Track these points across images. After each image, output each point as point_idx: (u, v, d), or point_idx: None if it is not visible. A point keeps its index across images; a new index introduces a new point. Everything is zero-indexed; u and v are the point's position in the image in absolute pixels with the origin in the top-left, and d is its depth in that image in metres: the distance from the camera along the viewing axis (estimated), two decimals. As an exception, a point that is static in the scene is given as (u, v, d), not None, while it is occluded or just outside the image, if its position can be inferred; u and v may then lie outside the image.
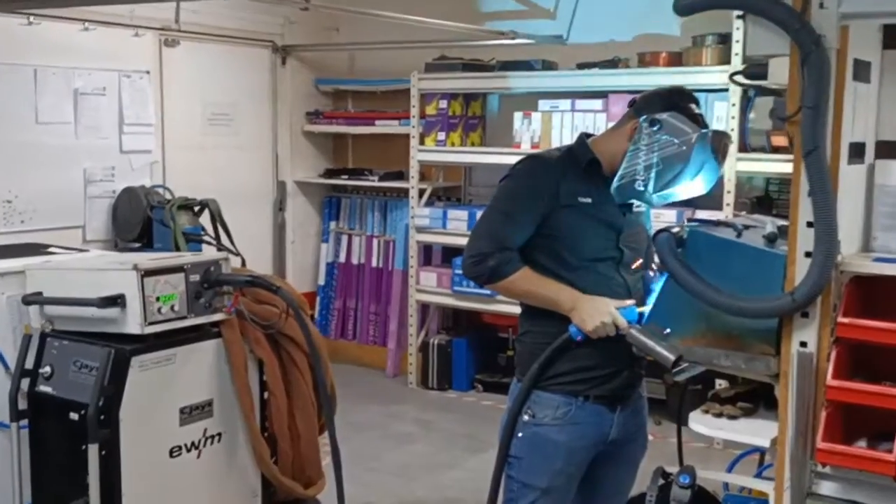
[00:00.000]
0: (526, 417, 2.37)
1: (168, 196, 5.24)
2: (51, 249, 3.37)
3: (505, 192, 2.40)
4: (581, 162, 2.37)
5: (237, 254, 4.97)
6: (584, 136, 2.44)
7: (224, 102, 5.97)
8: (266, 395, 3.02)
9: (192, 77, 5.73)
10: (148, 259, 2.75)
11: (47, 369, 2.76)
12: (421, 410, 5.47)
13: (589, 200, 2.32)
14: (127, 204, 5.17)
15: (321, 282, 6.70)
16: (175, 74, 5.60)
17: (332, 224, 6.67)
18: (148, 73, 5.41)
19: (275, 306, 2.93)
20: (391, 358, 6.24)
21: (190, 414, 2.81)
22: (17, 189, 4.78)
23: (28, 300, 2.83)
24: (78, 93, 5.04)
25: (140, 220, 5.06)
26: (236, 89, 6.06)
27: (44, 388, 2.77)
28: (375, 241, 6.44)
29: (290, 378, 3.03)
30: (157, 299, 2.66)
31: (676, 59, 4.98)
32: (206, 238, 4.97)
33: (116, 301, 2.62)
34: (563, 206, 2.30)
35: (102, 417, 2.59)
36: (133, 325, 2.63)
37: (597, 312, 2.23)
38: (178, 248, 4.78)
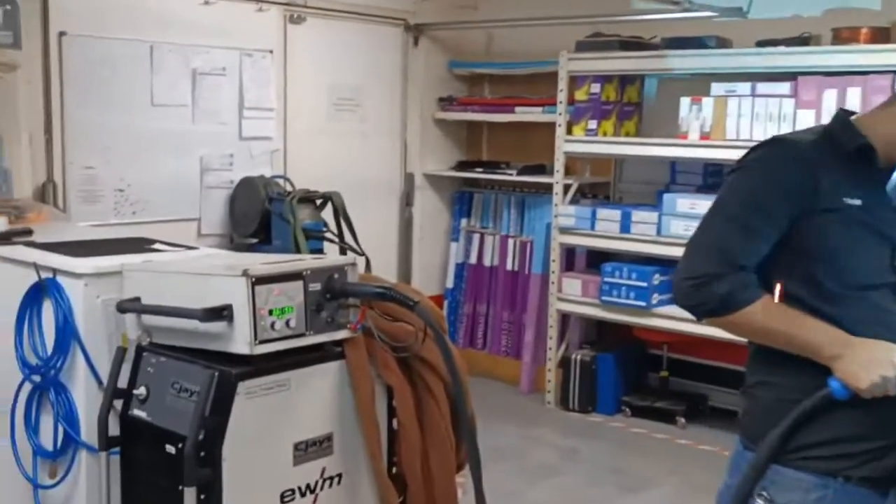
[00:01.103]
0: (760, 501, 1.79)
1: (288, 188, 4.90)
2: (156, 246, 3.03)
3: (738, 191, 1.83)
4: (846, 147, 1.80)
5: (361, 253, 4.58)
6: (845, 114, 1.85)
7: (351, 86, 5.60)
8: (395, 428, 2.58)
9: (318, 57, 5.39)
10: (261, 262, 2.34)
11: (142, 390, 2.40)
12: (562, 435, 4.96)
13: (858, 202, 1.74)
14: (245, 195, 4.86)
15: (449, 284, 6.27)
16: (300, 54, 5.26)
17: (464, 222, 6.22)
18: (271, 52, 5.09)
19: (408, 323, 2.48)
20: (526, 372, 5.74)
21: (306, 451, 2.39)
22: (129, 177, 4.52)
23: (122, 307, 2.47)
24: (196, 73, 4.75)
25: (258, 214, 4.74)
26: (364, 71, 5.68)
27: (138, 412, 2.41)
28: (511, 242, 5.96)
29: (425, 409, 2.58)
30: (271, 312, 2.25)
31: (881, 35, 4.29)
32: (327, 235, 4.60)
33: (222, 313, 2.22)
34: (823, 211, 1.73)
35: (202, 454, 2.19)
36: (240, 343, 2.22)
37: (874, 363, 1.65)
38: (297, 245, 4.42)
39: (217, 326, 2.25)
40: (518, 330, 5.89)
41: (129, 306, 2.45)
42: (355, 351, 2.45)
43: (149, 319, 2.45)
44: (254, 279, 2.21)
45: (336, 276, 2.38)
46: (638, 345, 5.39)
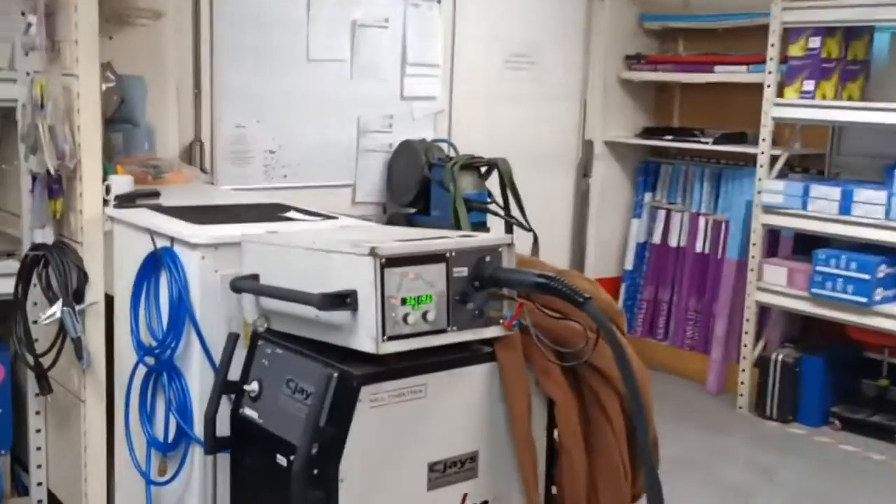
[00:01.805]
0: None
1: (451, 153, 4.51)
2: (290, 214, 2.70)
3: None
4: None
5: (528, 228, 4.13)
6: None
7: (526, 41, 5.13)
8: (556, 450, 2.13)
9: (490, 9, 4.94)
10: (395, 239, 1.94)
11: (254, 386, 2.06)
12: (756, 448, 4.34)
13: None
14: (403, 161, 4.50)
15: (628, 266, 5.72)
16: (470, 5, 4.83)
17: (648, 196, 5.65)
18: (438, 2, 4.69)
19: (577, 321, 2.01)
20: (714, 370, 5.13)
21: (444, 472, 1.98)
22: (281, 138, 4.25)
23: (235, 285, 2.14)
24: (356, 25, 4.41)
25: (417, 181, 4.37)
26: (541, 25, 5.19)
27: (248, 411, 2.07)
28: (702, 220, 5.34)
29: (594, 429, 2.11)
30: (404, 302, 1.85)
31: None
32: (491, 206, 4.17)
33: (344, 301, 1.83)
34: None
35: (315, 472, 1.82)
36: (365, 338, 1.83)
37: None
38: (457, 217, 4.02)
39: (339, 316, 1.87)
40: (706, 321, 5.28)
41: (243, 285, 2.12)
42: (509, 353, 2.01)
43: (266, 302, 2.11)
44: (384, 260, 1.81)
45: (488, 259, 1.95)
46: (852, 347, 4.66)
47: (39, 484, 3.11)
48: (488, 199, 4.20)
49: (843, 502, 3.78)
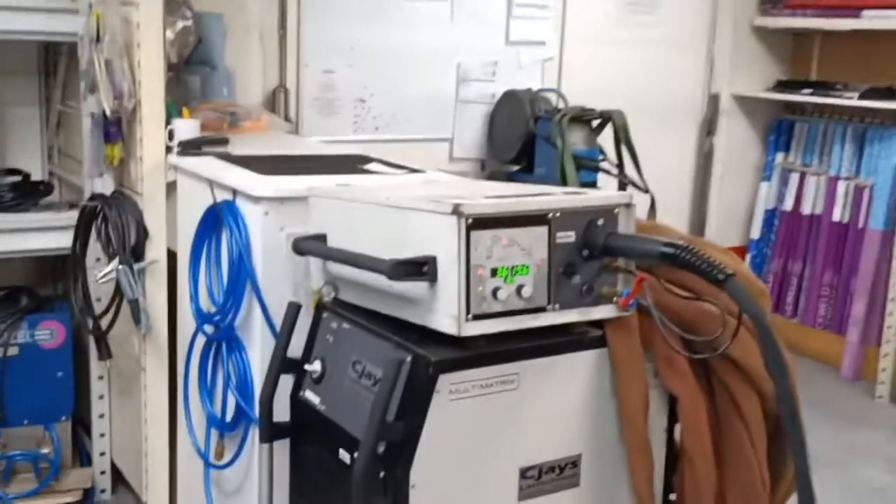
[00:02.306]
0: None
1: (560, 105, 4.12)
2: (371, 166, 2.39)
3: None
4: None
5: (645, 190, 3.73)
6: None
7: (647, -19, 4.68)
8: (678, 457, 1.78)
9: (608, -55, 4.52)
10: (487, 196, 1.60)
11: (317, 366, 1.77)
12: (898, 445, 3.88)
13: None
14: (507, 113, 4.15)
15: (754, 235, 5.24)
16: (585, -61, 4.43)
17: (780, 157, 5.14)
18: (549, -64, 4.30)
19: (710, 301, 1.64)
20: (850, 354, 4.64)
21: (538, 479, 1.66)
22: (373, 86, 3.95)
23: (298, 246, 1.85)
24: (457, -39, 4.07)
25: (521, 135, 4.01)
26: (666, -37, 4.73)
27: (310, 395, 1.78)
28: (842, 185, 4.81)
29: (727, 434, 1.75)
30: (495, 273, 1.52)
31: None
32: (603, 164, 3.78)
33: (421, 269, 1.51)
34: None
35: (382, 475, 1.52)
36: (445, 316, 1.51)
37: None
38: (564, 176, 3.66)
39: (415, 288, 1.55)
40: (843, 298, 4.78)
41: (306, 246, 1.82)
42: (623, 338, 1.67)
43: (334, 268, 1.81)
44: (470, 220, 1.48)
45: (601, 222, 1.60)
46: None
47: (102, 454, 2.93)
48: (600, 157, 3.81)
49: None
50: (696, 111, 5.04)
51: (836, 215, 4.84)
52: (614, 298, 1.62)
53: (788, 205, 5.07)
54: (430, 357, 1.51)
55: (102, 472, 2.94)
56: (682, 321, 1.67)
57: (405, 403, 1.52)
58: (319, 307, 1.84)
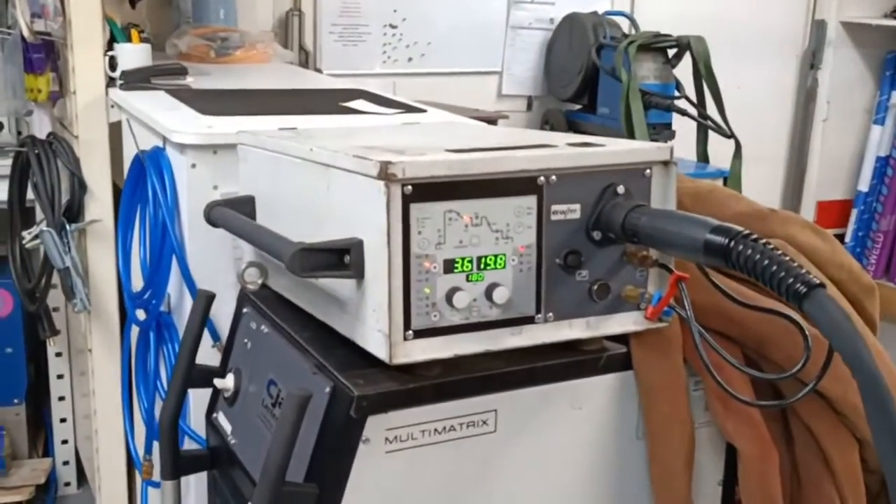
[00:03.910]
0: None
1: (631, 31, 3.54)
2: (356, 104, 1.90)
3: None
4: None
5: (729, 134, 3.17)
6: None
7: None
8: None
9: None
10: (454, 147, 1.10)
11: (229, 382, 1.31)
12: None
13: None
14: (566, 41, 3.59)
15: (863, 187, 4.58)
16: None
17: (895, 96, 4.45)
18: None
19: (787, 305, 1.11)
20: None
21: (528, 559, 1.18)
22: (406, 8, 3.43)
23: (209, 214, 1.37)
24: None
25: (581, 68, 3.46)
26: None
27: (222, 419, 1.33)
28: (973, 130, 4.12)
29: (806, 491, 1.23)
30: (451, 267, 1.02)
31: None
32: (679, 103, 3.21)
33: (341, 259, 1.03)
34: None
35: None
36: (372, 331, 1.03)
37: None
38: (629, 118, 3.10)
39: (340, 286, 1.08)
40: (969, 265, 4.13)
41: (217, 214, 1.35)
42: (658, 359, 1.16)
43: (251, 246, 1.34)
44: (409, 187, 0.98)
45: (621, 189, 1.08)
46: None
47: (64, 442, 2.56)
48: (675, 94, 3.24)
49: None
50: (797, 41, 4.36)
51: (965, 165, 4.16)
52: (640, 305, 1.11)
53: (905, 152, 4.41)
54: (352, 390, 1.03)
55: (66, 463, 2.58)
56: (747, 340, 1.15)
57: (318, 457, 1.06)
58: (241, 298, 1.38)
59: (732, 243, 0.93)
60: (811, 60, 4.42)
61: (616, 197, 1.08)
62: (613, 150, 1.10)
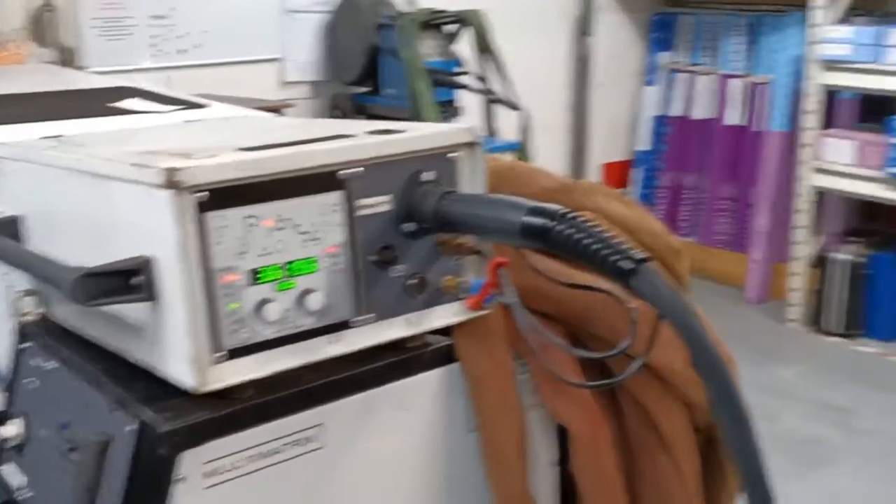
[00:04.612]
0: None
1: (407, 9, 3.52)
2: (125, 104, 1.76)
3: None
4: None
5: (516, 106, 3.20)
6: None
7: None
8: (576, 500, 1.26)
9: None
10: (246, 146, 1.01)
11: (13, 428, 1.17)
12: (823, 381, 3.52)
13: None
14: (346, 23, 3.52)
15: (642, 146, 4.80)
16: None
17: (663, 57, 4.68)
18: None
19: (606, 291, 1.09)
20: (756, 273, 4.28)
21: (369, 573, 1.12)
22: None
23: (-31, 242, 1.22)
24: None
25: (364, 50, 3.40)
26: None
27: (11, 472, 1.19)
28: (736, 84, 4.39)
29: (643, 467, 1.24)
30: (257, 277, 0.94)
31: None
32: (463, 80, 3.22)
33: (127, 282, 0.92)
34: None
35: None
36: (175, 358, 0.93)
37: None
38: (416, 99, 3.08)
39: (132, 311, 0.97)
40: (743, 212, 4.40)
41: (-23, 242, 1.20)
42: (482, 348, 1.12)
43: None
44: (204, 195, 0.89)
45: (427, 175, 1.03)
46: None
47: None
48: (457, 68, 3.24)
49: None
50: (569, 9, 4.50)
51: (732, 118, 4.43)
52: (460, 295, 1.07)
53: (677, 110, 4.65)
54: (158, 426, 0.93)
55: None
56: (570, 317, 1.14)
57: (129, 501, 0.95)
58: (22, 331, 1.23)
59: (551, 224, 0.90)
60: (583, 27, 4.56)
61: (424, 185, 1.02)
62: (416, 135, 1.04)
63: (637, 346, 1.00)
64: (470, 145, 1.06)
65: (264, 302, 0.94)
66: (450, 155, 1.04)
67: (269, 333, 0.95)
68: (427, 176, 1.02)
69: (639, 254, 0.86)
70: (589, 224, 0.90)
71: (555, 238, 0.90)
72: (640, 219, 1.28)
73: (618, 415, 1.22)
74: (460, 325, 1.10)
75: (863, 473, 2.85)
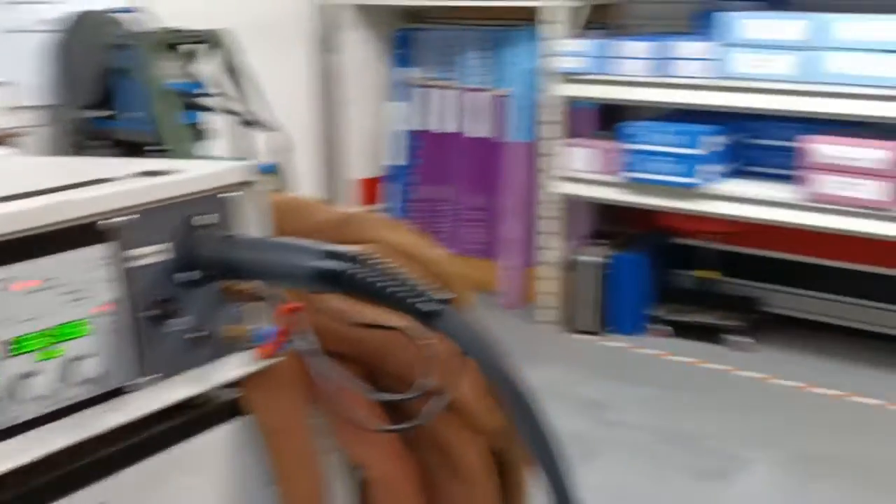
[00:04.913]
0: None
1: (146, 29, 3.33)
2: None
3: None
4: None
5: (269, 127, 3.12)
6: None
7: None
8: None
9: None
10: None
11: None
12: (577, 378, 3.68)
13: None
14: (77, 43, 3.29)
15: (394, 161, 4.84)
16: None
17: (408, 72, 4.74)
18: None
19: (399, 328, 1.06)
20: (508, 280, 4.42)
21: None
22: None
23: None
24: None
25: (98, 72, 3.19)
26: None
27: None
28: (478, 97, 4.51)
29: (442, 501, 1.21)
30: (16, 348, 0.82)
31: None
32: (209, 101, 3.09)
33: None
34: None
35: None
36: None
37: None
38: (159, 123, 2.92)
39: None
40: (495, 221, 4.53)
41: None
42: (274, 399, 1.05)
43: None
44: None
45: (201, 219, 0.95)
46: (674, 238, 4.11)
47: None
48: (199, 91, 3.11)
49: (705, 443, 3.19)
50: (310, 25, 4.46)
51: (476, 131, 4.55)
52: (248, 343, 0.99)
53: (425, 124, 4.71)
54: None
55: None
56: (365, 355, 1.09)
57: None
58: None
59: (345, 268, 0.86)
60: (326, 45, 4.54)
61: (201, 230, 0.94)
62: (187, 177, 0.96)
63: (436, 384, 0.97)
64: (247, 184, 0.99)
65: (25, 376, 0.83)
66: (227, 195, 0.97)
67: (33, 411, 0.84)
68: (204, 220, 0.95)
69: (438, 294, 0.84)
70: (384, 266, 0.87)
71: (351, 282, 0.86)
72: (421, 246, 1.27)
73: (416, 449, 1.19)
74: (252, 375, 1.03)
75: (619, 466, 3.00)
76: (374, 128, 4.78)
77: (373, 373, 1.12)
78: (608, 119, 4.05)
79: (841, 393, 3.46)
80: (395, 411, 1.15)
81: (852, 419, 3.31)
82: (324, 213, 1.26)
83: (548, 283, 4.13)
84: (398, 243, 1.23)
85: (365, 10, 4.57)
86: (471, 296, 1.31)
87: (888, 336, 3.81)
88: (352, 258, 0.86)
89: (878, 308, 3.83)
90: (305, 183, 4.45)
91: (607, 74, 3.73)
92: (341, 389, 1.02)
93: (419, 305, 0.83)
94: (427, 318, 0.83)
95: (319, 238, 0.93)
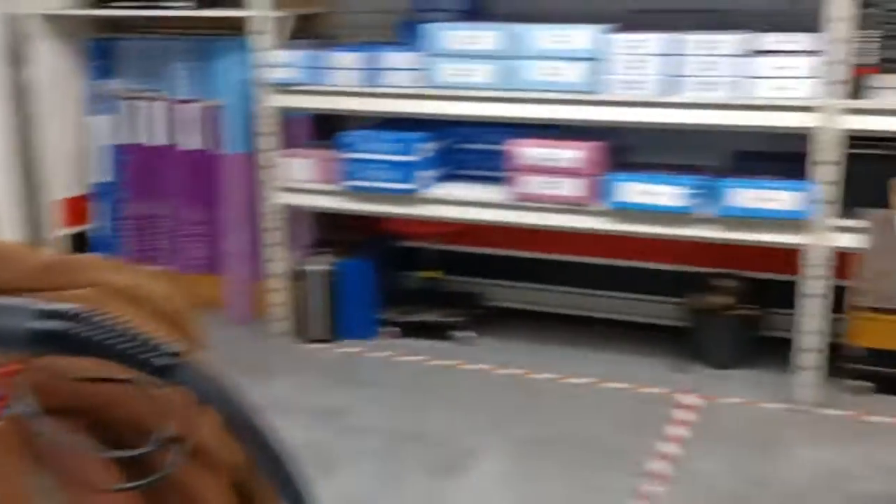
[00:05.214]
0: None
1: None
2: None
3: None
4: None
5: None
6: None
7: None
8: None
9: None
10: None
11: None
12: (314, 387, 3.68)
13: None
14: None
15: (100, 178, 4.60)
16: None
17: (108, 84, 4.52)
18: None
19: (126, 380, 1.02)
20: (236, 293, 4.34)
21: None
22: None
23: None
24: None
25: None
26: None
27: None
28: (188, 109, 4.39)
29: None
30: None
31: None
32: None
33: None
34: None
35: None
36: None
37: None
38: None
39: None
40: (218, 235, 4.43)
41: None
42: (-8, 469, 0.97)
43: None
44: None
45: None
46: (398, 241, 4.22)
47: None
48: None
49: (445, 441, 3.29)
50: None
51: (189, 143, 4.42)
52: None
53: (132, 138, 4.51)
54: None
55: None
56: (91, 409, 1.03)
57: None
58: None
59: (67, 327, 0.81)
60: (16, 57, 4.23)
61: None
62: None
63: (175, 432, 0.95)
64: (-55, 242, 0.91)
65: None
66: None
67: None
68: None
69: (171, 347, 0.82)
70: (109, 320, 0.83)
71: (74, 342, 0.81)
72: (144, 286, 1.21)
73: (156, 500, 1.15)
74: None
75: (357, 474, 3.03)
76: (77, 143, 4.52)
77: (107, 426, 1.07)
78: (325, 128, 4.08)
79: (558, 376, 3.71)
80: (132, 463, 1.10)
81: (570, 399, 3.56)
82: (34, 258, 1.17)
83: (276, 295, 4.10)
84: (121, 285, 1.18)
85: (55, 19, 4.30)
86: (198, 330, 1.28)
87: (597, 319, 4.12)
88: (73, 316, 0.81)
89: (589, 295, 4.14)
90: (2, 207, 4.14)
91: (319, 85, 3.76)
92: (70, 451, 0.96)
93: (153, 360, 0.80)
94: (162, 372, 0.81)
95: (29, 288, 0.88)
